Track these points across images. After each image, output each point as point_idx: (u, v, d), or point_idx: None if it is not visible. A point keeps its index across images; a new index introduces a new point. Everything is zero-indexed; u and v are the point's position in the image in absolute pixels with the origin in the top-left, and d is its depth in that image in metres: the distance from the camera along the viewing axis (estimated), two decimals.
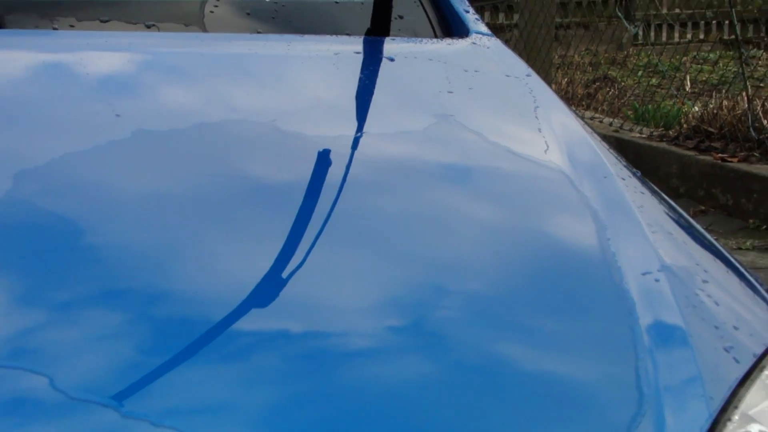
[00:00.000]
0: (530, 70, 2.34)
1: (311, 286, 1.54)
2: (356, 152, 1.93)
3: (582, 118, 2.29)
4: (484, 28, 2.46)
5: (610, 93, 9.30)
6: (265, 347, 1.44)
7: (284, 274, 1.55)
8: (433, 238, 1.74)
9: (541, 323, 1.59)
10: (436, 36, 2.45)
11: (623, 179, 1.97)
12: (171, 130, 1.94)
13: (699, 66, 10.10)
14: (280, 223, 1.67)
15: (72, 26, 2.24)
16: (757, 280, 1.83)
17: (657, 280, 1.68)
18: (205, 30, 2.37)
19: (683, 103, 8.25)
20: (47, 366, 1.31)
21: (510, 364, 1.50)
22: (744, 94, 7.12)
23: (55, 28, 2.24)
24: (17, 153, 1.78)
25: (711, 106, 7.50)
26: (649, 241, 1.78)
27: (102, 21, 2.29)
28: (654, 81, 9.48)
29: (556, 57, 9.48)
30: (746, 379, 1.52)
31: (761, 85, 7.83)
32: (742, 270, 1.85)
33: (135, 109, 1.99)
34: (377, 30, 2.31)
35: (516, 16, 9.47)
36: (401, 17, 2.40)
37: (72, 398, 1.28)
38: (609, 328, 1.59)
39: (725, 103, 7.38)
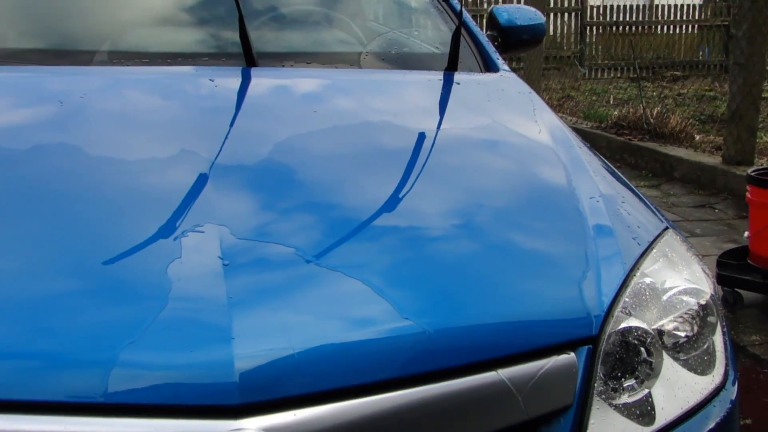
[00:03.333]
0: (531, 90, 2.22)
1: (411, 202, 1.49)
2: (439, 131, 1.83)
3: None
4: (507, 68, 2.34)
5: (570, 104, 9.02)
6: (387, 233, 1.41)
7: (400, 195, 1.50)
8: (473, 177, 1.67)
9: (531, 223, 1.54)
10: (481, 71, 2.29)
11: (580, 148, 1.90)
12: (340, 119, 1.84)
13: (617, 90, 9.98)
14: (397, 168, 1.60)
15: (291, 65, 2.11)
16: (647, 201, 1.79)
17: (597, 201, 1.62)
18: (360, 67, 2.22)
19: (609, 110, 8.21)
20: (277, 240, 1.32)
21: (512, 244, 1.46)
22: (641, 105, 7.20)
23: (283, 66, 2.10)
24: (267, 138, 1.68)
25: (623, 111, 7.51)
26: (593, 180, 1.72)
27: (307, 63, 2.17)
28: (594, 98, 9.36)
29: (542, 85, 8.96)
30: (643, 254, 1.49)
31: (649, 101, 7.81)
32: (641, 195, 1.81)
33: (324, 108, 1.89)
34: (451, 67, 2.16)
35: (522, 63, 8.94)
36: (463, 61, 2.23)
37: (296, 257, 1.28)
38: (571, 226, 1.53)
39: (631, 110, 7.42)
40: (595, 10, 12.08)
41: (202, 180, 1.46)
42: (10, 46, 2.09)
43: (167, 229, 1.31)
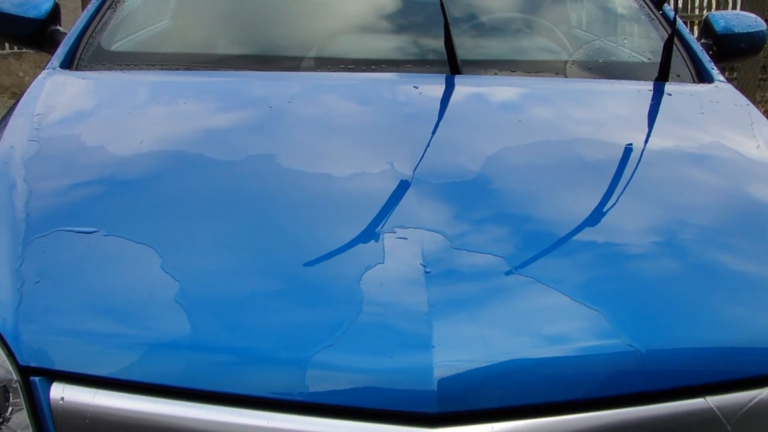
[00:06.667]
0: (748, 101, 2.14)
1: (612, 217, 1.47)
2: (646, 145, 1.80)
3: None
4: (722, 78, 2.26)
5: None
6: (586, 248, 1.39)
7: (600, 209, 1.48)
8: (681, 193, 1.63)
9: (744, 244, 1.49)
10: (694, 81, 2.23)
11: None
12: (545, 129, 1.83)
13: None
14: (599, 181, 1.59)
15: (495, 73, 2.14)
16: None
17: None
18: (566, 76, 2.20)
19: None
20: (476, 250, 1.32)
21: (722, 266, 1.42)
22: None
23: (486, 74, 2.13)
24: (469, 147, 1.69)
25: None
26: None
27: (511, 71, 2.17)
28: None
29: (758, 96, 8.34)
30: None
31: None
32: None
33: (528, 118, 1.91)
34: (661, 77, 2.14)
35: (735, 73, 8.43)
36: (675, 71, 2.19)
37: (495, 268, 1.29)
38: None
39: None
40: None
41: (404, 186, 1.49)
42: (223, 53, 2.25)
43: (368, 234, 1.35)
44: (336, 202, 1.47)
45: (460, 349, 1.15)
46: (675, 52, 2.22)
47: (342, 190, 1.51)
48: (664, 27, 2.44)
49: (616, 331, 1.21)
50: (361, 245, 1.33)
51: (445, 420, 1.12)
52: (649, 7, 2.54)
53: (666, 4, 2.51)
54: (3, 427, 1.18)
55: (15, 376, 1.18)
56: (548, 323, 1.22)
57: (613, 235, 1.44)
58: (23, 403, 1.17)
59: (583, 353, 1.19)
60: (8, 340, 1.20)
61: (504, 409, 1.14)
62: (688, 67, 2.32)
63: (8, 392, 1.18)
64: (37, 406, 1.16)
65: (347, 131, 1.75)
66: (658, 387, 1.19)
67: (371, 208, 1.42)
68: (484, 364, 1.14)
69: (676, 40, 2.26)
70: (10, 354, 1.19)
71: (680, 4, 10.49)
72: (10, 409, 1.18)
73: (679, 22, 2.35)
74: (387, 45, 2.27)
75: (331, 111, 1.86)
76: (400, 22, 2.36)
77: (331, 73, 2.09)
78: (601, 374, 1.18)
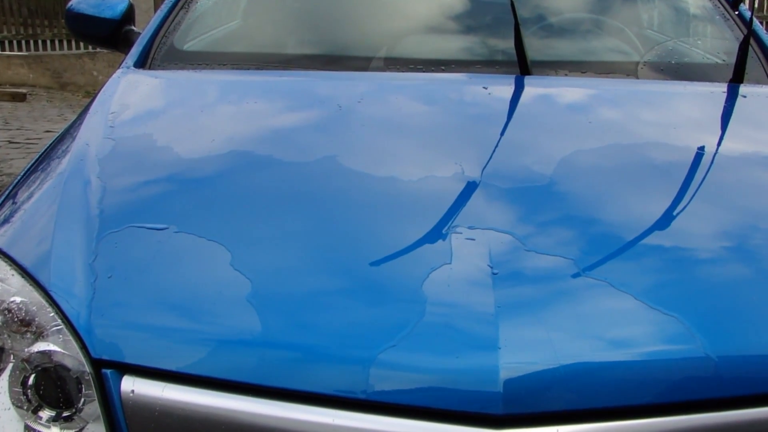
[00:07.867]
0: None
1: (679, 221, 1.45)
2: (718, 148, 1.76)
3: None
4: None
5: None
6: (654, 252, 1.36)
7: (668, 212, 1.46)
8: (752, 198, 1.59)
9: None
10: None
11: None
12: (615, 131, 1.80)
13: None
14: (668, 184, 1.55)
15: (566, 74, 2.14)
16: None
17: None
18: (637, 77, 2.18)
19: None
20: (543, 252, 1.31)
21: None
22: None
23: (557, 75, 2.12)
24: (538, 148, 1.68)
25: None
26: None
27: (581, 72, 2.15)
28: None
29: None
30: None
31: None
32: None
33: (598, 119, 1.88)
34: (736, 79, 2.10)
35: None
36: (750, 73, 2.13)
37: (562, 270, 1.27)
38: None
39: None
40: None
41: (472, 187, 1.49)
42: (292, 53, 2.28)
43: (435, 234, 1.35)
44: (403, 201, 1.47)
45: (527, 351, 1.15)
46: (750, 53, 2.18)
47: (410, 190, 1.51)
48: (739, 27, 2.40)
49: (687, 336, 1.19)
50: (427, 245, 1.33)
51: (510, 422, 1.12)
52: (724, 7, 2.50)
53: (742, 4, 2.47)
54: (75, 417, 1.21)
55: (87, 369, 1.21)
56: (616, 326, 1.21)
57: (684, 239, 1.41)
58: (95, 395, 1.20)
59: (651, 357, 1.17)
60: (81, 333, 1.23)
61: (570, 412, 1.13)
62: (764, 68, 2.28)
63: (81, 384, 1.22)
64: (108, 398, 1.19)
65: (416, 131, 1.75)
66: (729, 393, 1.17)
67: (439, 209, 1.42)
68: (550, 367, 1.13)
69: (751, 40, 2.22)
70: (83, 347, 1.22)
71: (756, 4, 10.26)
72: (82, 400, 1.21)
73: (756, 22, 2.31)
74: (456, 45, 2.28)
75: (400, 111, 1.87)
76: (469, 22, 2.37)
77: (400, 74, 2.10)
78: (669, 379, 1.16)
